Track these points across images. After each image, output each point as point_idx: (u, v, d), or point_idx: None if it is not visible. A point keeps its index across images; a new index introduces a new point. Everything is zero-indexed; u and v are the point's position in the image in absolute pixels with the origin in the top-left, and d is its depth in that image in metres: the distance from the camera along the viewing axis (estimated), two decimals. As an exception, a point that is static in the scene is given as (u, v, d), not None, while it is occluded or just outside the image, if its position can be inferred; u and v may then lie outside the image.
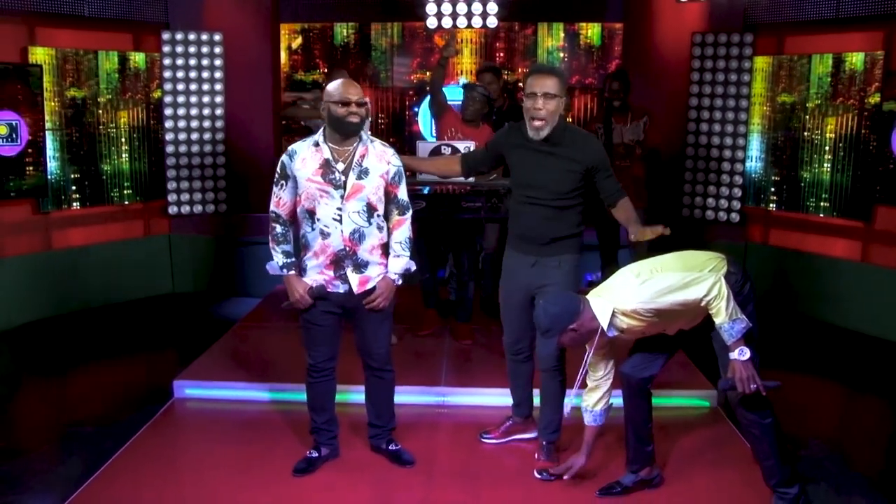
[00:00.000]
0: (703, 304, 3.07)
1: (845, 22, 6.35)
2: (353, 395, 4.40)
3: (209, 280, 7.35)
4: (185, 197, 7.19)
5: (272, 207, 3.61)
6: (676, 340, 3.44)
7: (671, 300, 3.09)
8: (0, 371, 5.50)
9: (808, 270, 6.59)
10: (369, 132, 4.13)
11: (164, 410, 4.55)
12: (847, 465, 4.11)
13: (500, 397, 4.48)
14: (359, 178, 3.51)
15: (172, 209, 7.19)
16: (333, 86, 3.51)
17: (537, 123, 3.49)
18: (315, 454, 3.85)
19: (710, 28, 6.95)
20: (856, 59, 6.36)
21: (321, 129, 3.59)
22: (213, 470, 3.83)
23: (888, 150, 6.01)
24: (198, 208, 7.24)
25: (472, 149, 4.56)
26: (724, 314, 3.05)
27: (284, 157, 3.57)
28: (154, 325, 6.61)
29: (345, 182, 3.49)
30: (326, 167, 3.50)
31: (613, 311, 3.18)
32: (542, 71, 3.53)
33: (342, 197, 3.49)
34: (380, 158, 3.57)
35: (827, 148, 6.55)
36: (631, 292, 3.15)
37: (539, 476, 3.72)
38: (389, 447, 3.91)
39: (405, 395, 4.32)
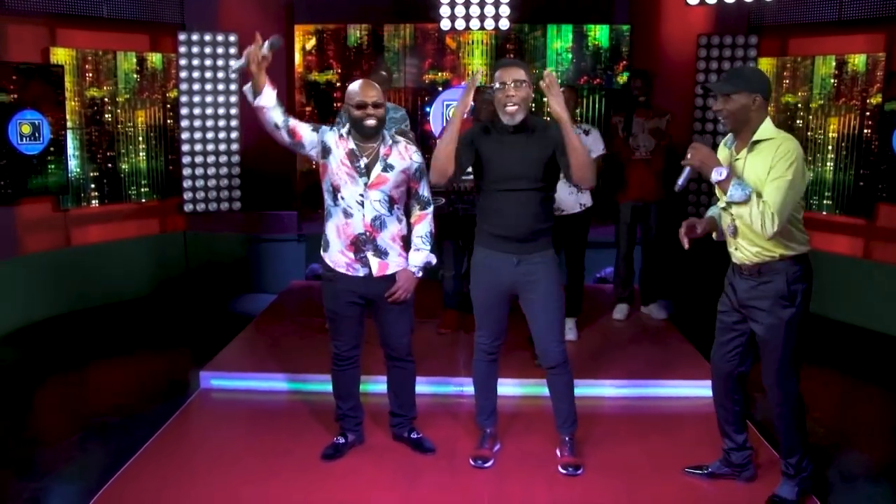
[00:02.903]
0: (765, 199, 3.14)
1: (848, 24, 6.50)
2: (373, 385, 4.53)
3: (224, 276, 7.48)
4: (200, 195, 7.30)
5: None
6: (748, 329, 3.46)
7: (785, 175, 3.13)
8: (24, 364, 5.62)
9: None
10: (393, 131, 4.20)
11: (192, 400, 4.70)
12: (852, 453, 4.25)
13: (514, 387, 4.68)
14: (385, 170, 3.65)
15: (188, 207, 7.30)
16: (353, 88, 3.63)
17: (511, 109, 3.57)
18: (342, 440, 4.00)
19: (715, 30, 7.09)
20: (858, 61, 6.52)
21: (347, 124, 3.72)
22: (242, 456, 3.97)
23: (890, 149, 6.16)
24: (213, 206, 7.36)
25: None
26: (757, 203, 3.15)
27: (325, 127, 3.68)
28: (172, 320, 6.75)
29: (369, 172, 3.64)
30: (352, 157, 3.64)
31: (773, 139, 3.22)
32: (508, 63, 3.67)
33: (366, 185, 3.63)
34: (402, 156, 3.70)
35: (830, 147, 6.70)
36: (796, 145, 3.21)
37: (565, 472, 3.80)
38: (411, 435, 4.05)
39: (424, 386, 4.45)
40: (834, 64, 6.68)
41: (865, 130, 6.50)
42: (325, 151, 3.65)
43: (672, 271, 7.12)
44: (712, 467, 3.75)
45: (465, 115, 5.47)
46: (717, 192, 3.37)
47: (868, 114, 6.47)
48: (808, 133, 6.81)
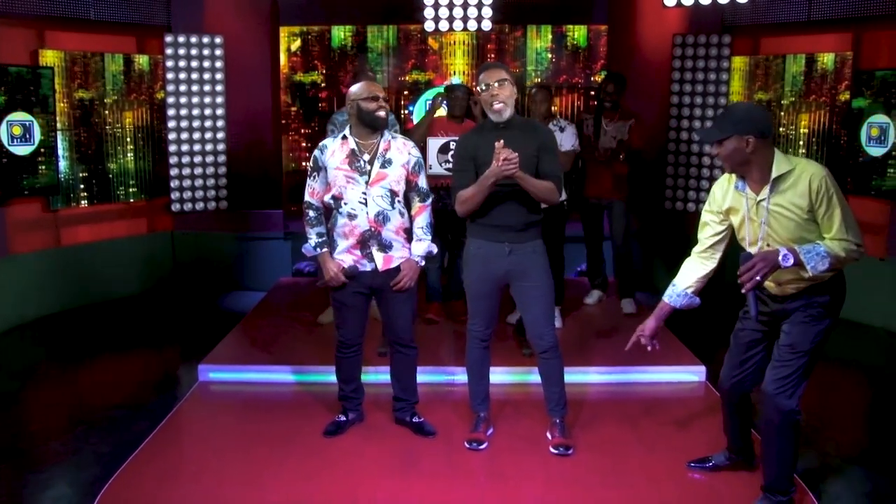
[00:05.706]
0: (837, 237, 3.07)
1: (817, 24, 6.77)
2: (371, 375, 4.69)
3: (212, 275, 7.58)
4: (187, 195, 7.39)
5: (306, 197, 4.01)
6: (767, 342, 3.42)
7: (837, 203, 3.07)
8: (19, 363, 5.70)
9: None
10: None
11: (192, 393, 4.82)
12: (833, 437, 4.44)
13: (503, 375, 4.82)
14: (383, 166, 3.89)
15: (175, 207, 7.38)
16: (359, 86, 3.90)
17: (498, 107, 3.82)
18: (343, 418, 4.24)
19: (690, 30, 7.29)
20: (827, 59, 6.78)
21: (347, 127, 3.97)
22: (247, 443, 4.11)
23: (858, 143, 6.42)
24: (200, 206, 7.45)
25: None
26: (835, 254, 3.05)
27: (317, 152, 3.97)
28: (163, 317, 6.85)
29: (370, 170, 3.87)
30: (353, 157, 3.88)
31: (792, 170, 3.10)
32: (489, 66, 3.90)
33: (367, 182, 3.86)
34: (401, 151, 3.95)
35: (801, 143, 6.96)
36: (819, 166, 3.10)
37: (556, 452, 3.97)
38: (413, 420, 4.24)
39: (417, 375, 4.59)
40: (804, 62, 6.94)
41: (834, 126, 6.76)
42: (327, 169, 3.91)
43: (649, 265, 7.35)
44: (716, 460, 3.80)
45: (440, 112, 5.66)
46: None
47: (836, 110, 6.73)
48: (781, 129, 7.06)
